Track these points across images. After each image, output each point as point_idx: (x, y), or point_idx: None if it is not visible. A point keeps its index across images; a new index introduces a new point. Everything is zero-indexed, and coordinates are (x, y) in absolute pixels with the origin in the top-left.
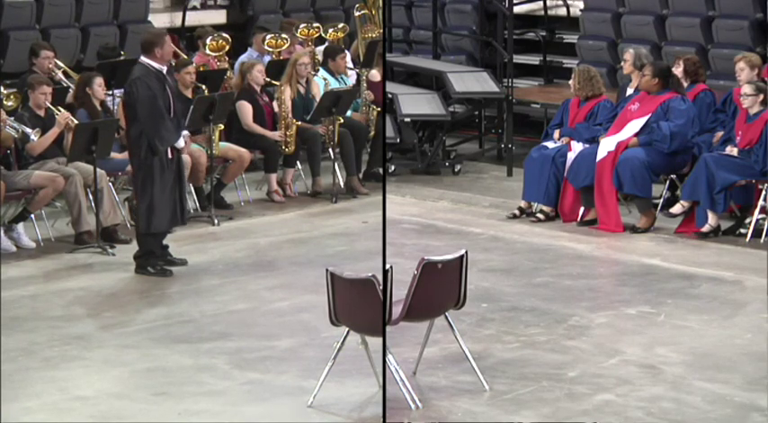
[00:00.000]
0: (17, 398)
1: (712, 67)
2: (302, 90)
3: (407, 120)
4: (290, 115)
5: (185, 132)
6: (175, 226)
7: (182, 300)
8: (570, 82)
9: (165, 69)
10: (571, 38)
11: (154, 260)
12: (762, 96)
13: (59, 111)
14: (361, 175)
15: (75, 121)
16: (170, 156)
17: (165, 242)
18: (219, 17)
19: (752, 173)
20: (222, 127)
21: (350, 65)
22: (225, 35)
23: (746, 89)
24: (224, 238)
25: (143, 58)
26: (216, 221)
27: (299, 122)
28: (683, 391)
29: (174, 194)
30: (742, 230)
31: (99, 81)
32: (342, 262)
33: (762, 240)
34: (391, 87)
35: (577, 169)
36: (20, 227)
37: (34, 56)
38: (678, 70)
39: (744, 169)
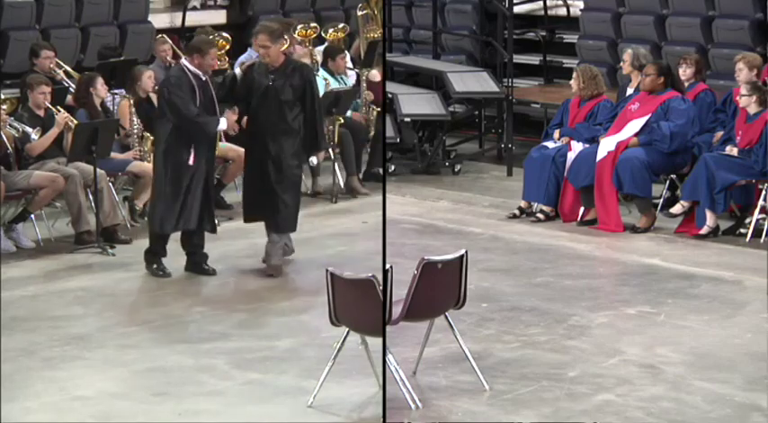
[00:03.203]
0: (17, 398)
1: (712, 67)
2: None
3: (407, 120)
4: None
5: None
6: (186, 229)
7: (182, 300)
8: (572, 82)
9: (202, 75)
10: (571, 38)
11: (156, 259)
12: (756, 96)
13: (59, 111)
14: (361, 175)
15: (75, 121)
16: (191, 161)
17: (205, 251)
18: (219, 17)
19: (752, 173)
20: None
21: (350, 65)
22: (225, 35)
23: (742, 89)
24: (224, 238)
25: (183, 60)
26: (216, 221)
27: None
28: (683, 391)
29: (191, 198)
30: (742, 230)
31: (101, 81)
32: (342, 262)
33: (762, 240)
34: (391, 87)
35: (577, 169)
36: (20, 227)
37: (35, 56)
38: (690, 70)
39: (744, 169)
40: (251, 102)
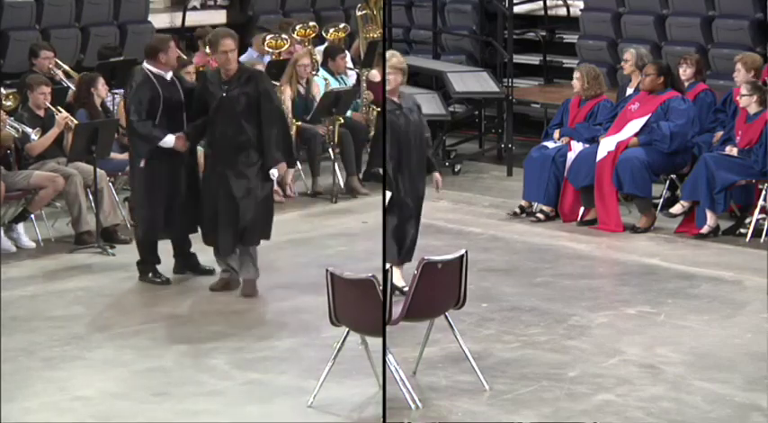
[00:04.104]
0: (17, 398)
1: (712, 67)
2: (302, 90)
3: None
4: (290, 115)
5: (177, 134)
6: (171, 234)
7: (182, 300)
8: (575, 82)
9: (168, 75)
10: (571, 38)
11: (150, 268)
12: (756, 96)
13: (59, 111)
14: (361, 175)
15: (75, 121)
16: (169, 167)
17: (192, 251)
18: (219, 17)
19: (752, 173)
20: None
21: (350, 65)
22: None
23: (742, 89)
24: None
25: (145, 64)
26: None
27: (299, 122)
28: (683, 391)
29: (173, 203)
30: (742, 230)
31: (102, 81)
32: (342, 262)
33: (762, 240)
34: None
35: (577, 169)
36: (20, 227)
37: (34, 56)
38: (690, 70)
39: (744, 169)
40: (208, 114)
